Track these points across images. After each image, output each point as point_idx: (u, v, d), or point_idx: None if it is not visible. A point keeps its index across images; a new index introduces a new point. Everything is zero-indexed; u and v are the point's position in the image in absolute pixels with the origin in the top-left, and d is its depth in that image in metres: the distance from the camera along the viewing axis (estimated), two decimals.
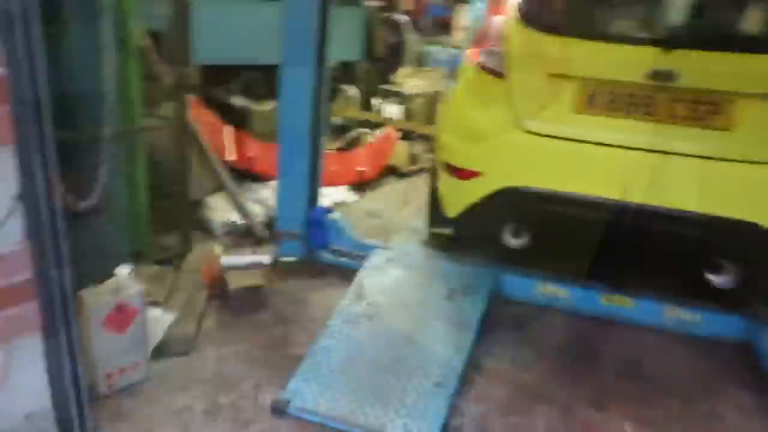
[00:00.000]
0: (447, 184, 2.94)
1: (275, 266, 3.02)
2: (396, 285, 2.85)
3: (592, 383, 2.37)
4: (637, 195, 2.43)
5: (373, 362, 2.31)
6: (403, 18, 6.71)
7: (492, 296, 2.83)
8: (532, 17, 2.61)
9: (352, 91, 5.30)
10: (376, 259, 3.03)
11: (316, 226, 3.18)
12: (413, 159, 5.44)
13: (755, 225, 2.30)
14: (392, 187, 4.84)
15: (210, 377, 2.26)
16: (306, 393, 2.12)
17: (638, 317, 2.77)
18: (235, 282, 2.79)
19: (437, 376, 2.23)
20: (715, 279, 2.57)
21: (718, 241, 2.44)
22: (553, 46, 2.54)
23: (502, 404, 2.21)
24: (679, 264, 2.66)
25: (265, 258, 2.95)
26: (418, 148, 5.66)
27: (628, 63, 2.40)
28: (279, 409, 2.06)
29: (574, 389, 2.32)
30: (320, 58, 3.01)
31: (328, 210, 3.26)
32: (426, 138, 5.94)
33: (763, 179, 2.31)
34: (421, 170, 5.29)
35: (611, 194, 2.46)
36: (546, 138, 2.55)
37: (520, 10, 2.66)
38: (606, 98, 2.47)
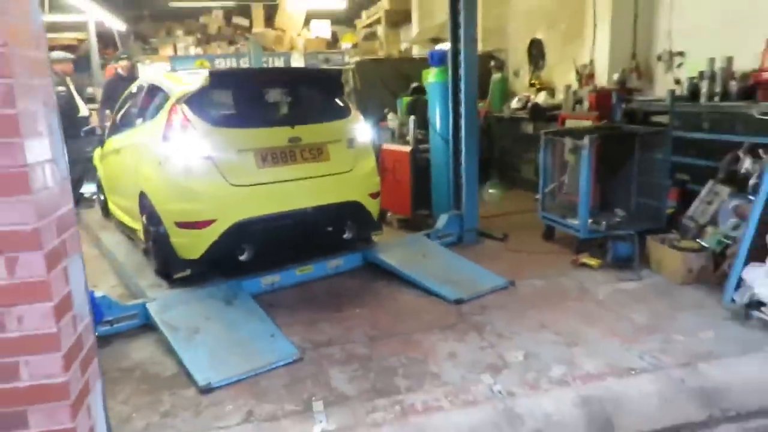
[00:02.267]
0: (184, 236, 4.22)
1: None
2: (187, 314, 3.92)
3: (328, 305, 4.28)
4: (298, 204, 4.45)
5: (228, 346, 3.52)
6: None
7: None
8: (214, 120, 4.25)
9: None
10: (154, 309, 3.95)
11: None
12: None
13: (356, 201, 4.71)
14: None
15: (122, 409, 2.98)
16: (211, 375, 3.21)
17: (318, 274, 4.80)
18: None
19: (269, 334, 3.65)
20: (346, 235, 4.88)
21: (344, 215, 4.74)
22: (234, 134, 4.26)
23: (304, 332, 3.84)
24: (329, 234, 4.86)
25: None
26: None
27: (278, 137, 4.38)
28: (209, 389, 3.10)
29: (321, 311, 4.17)
30: None
31: (92, 291, 3.88)
32: None
33: (349, 180, 4.70)
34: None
35: (284, 208, 4.41)
36: (246, 187, 4.26)
37: (203, 117, 4.22)
38: (271, 157, 4.35)
